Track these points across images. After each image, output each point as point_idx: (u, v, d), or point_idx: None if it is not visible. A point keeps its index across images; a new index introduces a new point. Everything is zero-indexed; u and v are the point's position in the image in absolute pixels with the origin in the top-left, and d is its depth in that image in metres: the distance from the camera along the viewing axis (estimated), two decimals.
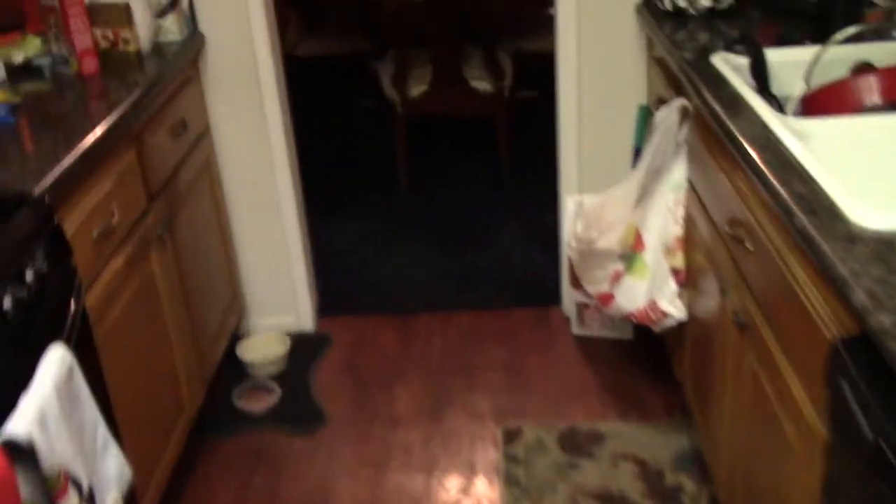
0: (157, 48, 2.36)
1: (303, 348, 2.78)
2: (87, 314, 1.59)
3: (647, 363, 2.59)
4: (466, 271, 3.21)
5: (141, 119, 2.06)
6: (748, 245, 1.56)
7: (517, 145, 3.85)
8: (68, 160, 1.63)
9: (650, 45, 2.49)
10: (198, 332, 2.37)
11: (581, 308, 2.72)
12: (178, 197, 2.28)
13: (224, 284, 2.67)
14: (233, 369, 2.66)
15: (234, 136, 2.64)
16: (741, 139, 1.55)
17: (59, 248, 1.50)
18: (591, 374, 2.60)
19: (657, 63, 2.40)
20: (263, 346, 2.70)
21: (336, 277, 3.15)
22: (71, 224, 1.62)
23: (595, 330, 2.73)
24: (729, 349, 1.76)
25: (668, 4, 2.28)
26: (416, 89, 3.60)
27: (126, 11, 2.20)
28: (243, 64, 2.56)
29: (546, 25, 4.11)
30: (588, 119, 2.62)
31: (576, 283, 2.51)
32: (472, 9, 3.53)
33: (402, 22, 3.51)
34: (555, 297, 2.93)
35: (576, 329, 2.77)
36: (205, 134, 2.57)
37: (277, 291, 2.85)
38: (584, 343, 2.74)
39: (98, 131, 1.78)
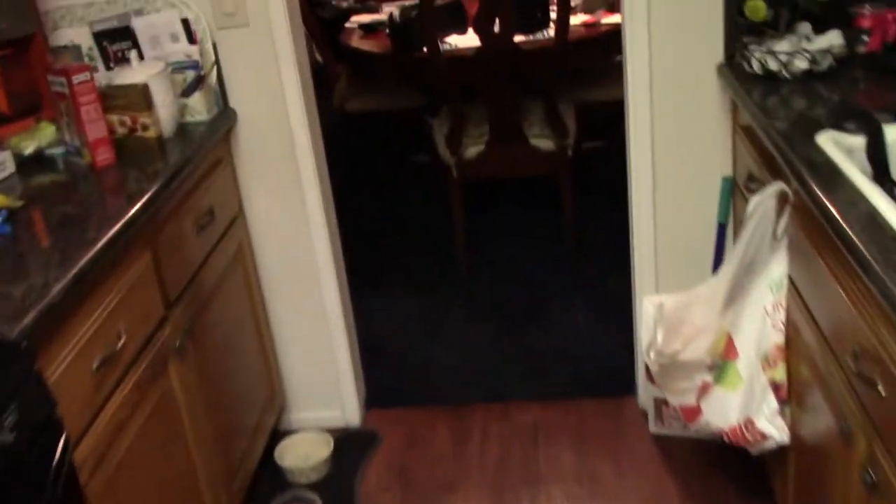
0: (183, 130, 2.15)
1: (348, 447, 2.51)
2: (77, 471, 1.35)
3: (738, 472, 2.25)
4: (528, 354, 2.91)
5: (160, 216, 1.84)
6: (881, 389, 1.24)
7: (581, 198, 3.55)
8: (62, 284, 1.40)
9: (735, 110, 2.18)
10: (228, 443, 2.13)
11: (659, 404, 2.39)
12: (203, 295, 2.05)
13: (260, 381, 2.43)
14: (270, 473, 2.41)
15: (271, 218, 2.41)
16: (865, 254, 1.23)
17: (39, 402, 1.26)
18: (673, 483, 2.27)
19: (744, 131, 2.09)
20: (304, 449, 2.44)
21: (384, 363, 2.89)
22: (60, 363, 1.39)
23: (676, 429, 2.40)
24: (853, 501, 1.43)
25: (756, 67, 1.97)
26: (472, 150, 3.33)
27: (144, 94, 1.99)
28: (278, 139, 2.33)
29: (610, 74, 3.83)
30: (664, 192, 2.31)
31: (653, 379, 2.20)
32: (529, 62, 3.25)
33: (455, 77, 3.26)
34: (628, 385, 2.62)
35: (654, 427, 2.44)
36: (237, 218, 2.34)
37: (320, 382, 2.60)
38: (664, 444, 2.41)
39: (103, 241, 1.55)
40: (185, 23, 2.19)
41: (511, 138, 3.30)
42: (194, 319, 1.98)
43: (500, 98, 3.25)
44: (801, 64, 1.90)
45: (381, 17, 3.95)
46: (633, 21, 2.19)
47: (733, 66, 2.13)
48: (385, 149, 4.56)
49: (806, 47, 1.90)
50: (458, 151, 3.32)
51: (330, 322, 2.52)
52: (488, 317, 3.15)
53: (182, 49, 2.19)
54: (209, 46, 2.22)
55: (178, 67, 2.17)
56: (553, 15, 3.31)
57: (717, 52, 2.16)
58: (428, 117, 3.80)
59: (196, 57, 2.19)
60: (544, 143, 3.32)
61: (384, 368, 2.86)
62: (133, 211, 1.69)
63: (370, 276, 3.42)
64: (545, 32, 3.41)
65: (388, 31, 3.53)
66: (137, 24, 2.18)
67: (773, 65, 1.92)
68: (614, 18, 3.46)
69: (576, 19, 3.41)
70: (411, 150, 4.38)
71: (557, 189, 3.46)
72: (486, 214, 3.89)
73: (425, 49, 3.25)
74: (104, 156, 1.93)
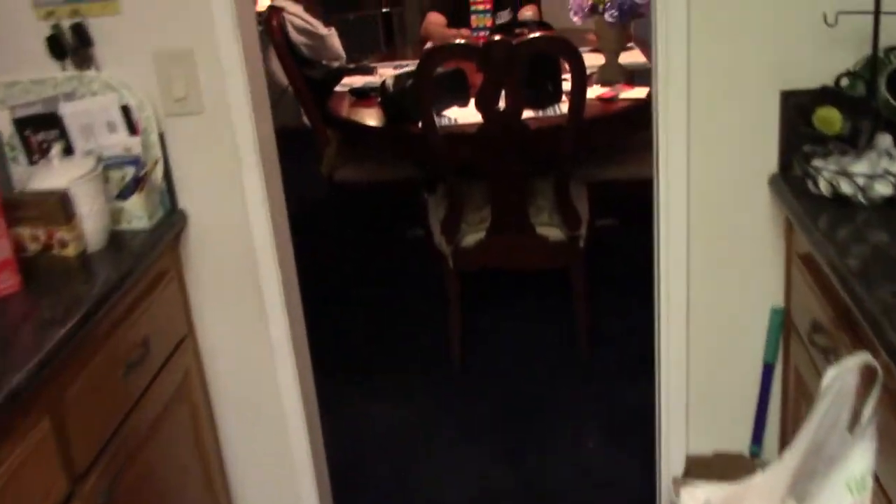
0: (117, 240, 1.76)
1: None
2: None
3: None
4: (529, 486, 2.49)
5: (69, 367, 1.44)
6: None
7: (592, 282, 3.14)
8: None
9: (790, 231, 1.80)
10: None
11: None
12: (131, 447, 1.65)
13: None
14: None
15: (226, 338, 2.02)
16: None
17: None
18: None
19: (803, 261, 1.70)
20: None
21: (360, 497, 2.46)
22: None
23: None
24: None
25: (822, 187, 1.58)
26: (471, 237, 2.95)
27: (63, 203, 1.61)
28: (237, 246, 1.95)
29: (625, 150, 3.46)
30: (699, 321, 1.92)
31: None
32: (538, 141, 2.88)
33: (454, 156, 2.88)
34: None
35: None
36: (185, 339, 1.95)
37: None
38: None
39: None
40: (126, 109, 1.81)
41: (515, 226, 2.92)
42: (115, 483, 1.58)
43: (504, 180, 2.87)
44: (883, 189, 1.52)
45: (375, 80, 3.58)
46: (667, 112, 1.81)
47: (790, 179, 1.74)
48: (376, 222, 4.17)
49: (889, 169, 1.52)
50: (454, 239, 2.94)
51: (295, 461, 2.11)
52: (484, 436, 2.73)
53: (120, 141, 1.81)
54: (154, 138, 1.84)
55: (115, 163, 1.80)
56: (566, 86, 2.94)
57: (771, 161, 1.78)
58: (425, 192, 3.42)
59: (137, 151, 1.82)
60: (553, 233, 2.93)
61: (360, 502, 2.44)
62: (26, 370, 1.30)
63: (349, 377, 3.03)
64: (557, 108, 3.03)
65: (379, 100, 3.16)
66: (66, 111, 1.79)
67: (846, 188, 1.54)
68: (634, 93, 3.09)
69: (591, 92, 3.03)
70: (405, 224, 4.00)
71: (567, 276, 3.07)
72: (486, 303, 3.49)
73: (420, 124, 2.88)
74: (7, 283, 1.53)
